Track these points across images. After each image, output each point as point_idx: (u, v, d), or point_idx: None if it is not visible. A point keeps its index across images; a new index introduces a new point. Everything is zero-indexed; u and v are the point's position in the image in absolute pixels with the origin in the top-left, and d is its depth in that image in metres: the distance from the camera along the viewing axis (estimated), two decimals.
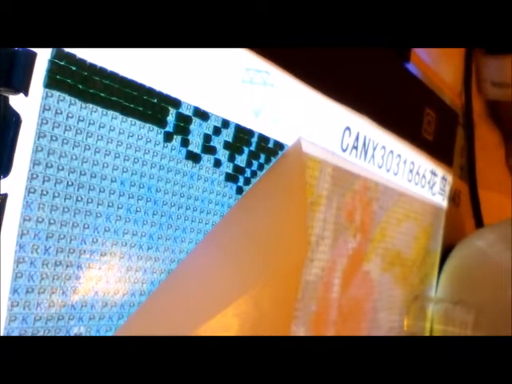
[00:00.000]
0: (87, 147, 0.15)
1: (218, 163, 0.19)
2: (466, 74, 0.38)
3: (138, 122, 0.16)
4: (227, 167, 0.20)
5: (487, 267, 0.34)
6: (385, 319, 0.31)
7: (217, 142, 0.19)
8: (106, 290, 0.16)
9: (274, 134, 0.21)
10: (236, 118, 0.20)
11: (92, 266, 0.15)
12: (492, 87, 0.40)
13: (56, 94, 0.14)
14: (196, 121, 0.18)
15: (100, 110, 0.15)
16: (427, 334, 0.34)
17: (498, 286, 0.33)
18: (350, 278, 0.27)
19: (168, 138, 0.17)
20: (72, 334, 0.15)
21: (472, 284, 0.35)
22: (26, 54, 0.13)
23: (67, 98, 0.14)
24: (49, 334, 0.14)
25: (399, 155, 0.31)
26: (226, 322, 0.19)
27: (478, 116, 0.40)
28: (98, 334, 0.16)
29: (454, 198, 0.39)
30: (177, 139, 0.18)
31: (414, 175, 0.33)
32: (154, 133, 0.17)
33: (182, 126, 0.18)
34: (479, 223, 0.41)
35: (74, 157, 0.15)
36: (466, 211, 0.41)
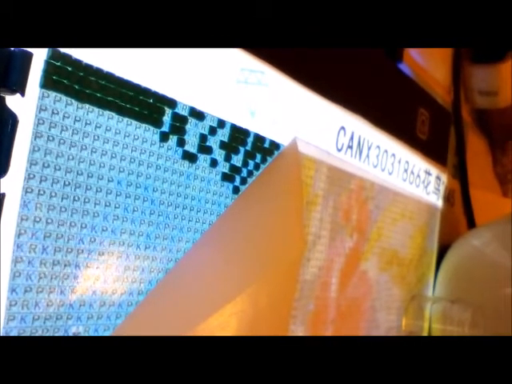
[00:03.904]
0: (84, 147, 0.15)
1: (214, 163, 0.19)
2: (454, 78, 0.39)
3: (134, 122, 0.16)
4: (223, 167, 0.20)
5: (484, 265, 0.35)
6: (383, 319, 0.31)
7: (213, 142, 0.19)
8: (104, 289, 0.16)
9: (269, 133, 0.22)
10: (232, 118, 0.20)
11: (90, 266, 0.15)
12: (479, 96, 0.40)
13: (52, 94, 0.14)
14: (192, 121, 0.18)
15: (96, 110, 0.15)
16: (426, 333, 0.34)
17: (494, 284, 0.33)
18: (348, 277, 0.27)
19: (164, 137, 0.17)
20: (70, 334, 0.15)
21: (469, 282, 0.35)
22: (23, 54, 0.13)
23: (63, 98, 0.14)
24: (47, 334, 0.14)
25: (394, 154, 0.31)
26: (224, 321, 0.19)
27: (467, 124, 0.41)
28: (96, 334, 0.16)
29: (448, 198, 0.39)
30: (173, 139, 0.18)
31: (408, 174, 0.33)
32: (150, 133, 0.17)
33: (178, 125, 0.18)
34: (471, 223, 0.41)
35: (70, 157, 0.15)
36: (461, 210, 0.41)
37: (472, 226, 0.41)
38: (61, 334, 0.15)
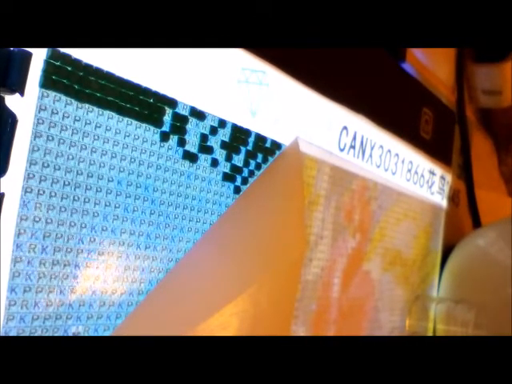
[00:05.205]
0: (83, 147, 0.15)
1: (215, 163, 0.19)
2: (458, 77, 0.39)
3: (135, 122, 0.16)
4: (224, 167, 0.20)
5: (488, 266, 0.34)
6: (386, 319, 0.31)
7: (214, 142, 0.19)
8: (104, 289, 0.16)
9: (271, 133, 0.21)
10: (233, 118, 0.20)
11: (89, 265, 0.15)
12: (483, 95, 0.40)
13: (52, 94, 0.14)
14: (192, 120, 0.18)
15: (96, 109, 0.15)
16: (430, 333, 0.34)
17: (499, 284, 0.33)
18: (350, 277, 0.27)
19: (164, 137, 0.17)
20: (70, 334, 0.15)
21: (473, 283, 0.35)
22: (22, 54, 0.13)
23: (63, 97, 0.14)
24: (46, 334, 0.14)
25: (397, 154, 0.31)
26: (225, 320, 0.19)
27: (471, 124, 0.41)
28: (95, 334, 0.16)
29: (453, 198, 0.39)
30: (173, 139, 0.18)
31: (412, 174, 0.33)
32: (150, 132, 0.17)
33: (179, 125, 0.18)
34: (477, 223, 0.41)
35: (70, 156, 0.15)
36: (466, 210, 0.41)
37: (477, 225, 0.41)
38: (60, 333, 0.15)
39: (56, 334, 0.15)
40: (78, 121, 0.15)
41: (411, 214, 0.33)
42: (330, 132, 0.25)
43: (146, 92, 0.17)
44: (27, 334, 0.14)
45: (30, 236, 0.14)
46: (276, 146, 0.22)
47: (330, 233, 0.25)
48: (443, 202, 0.37)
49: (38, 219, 0.14)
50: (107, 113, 0.16)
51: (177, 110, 0.18)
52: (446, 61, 0.38)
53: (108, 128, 0.16)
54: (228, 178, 0.20)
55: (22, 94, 0.14)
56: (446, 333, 0.34)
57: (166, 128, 0.17)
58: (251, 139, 0.21)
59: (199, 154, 0.19)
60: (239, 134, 0.20)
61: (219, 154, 0.19)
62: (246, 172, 0.20)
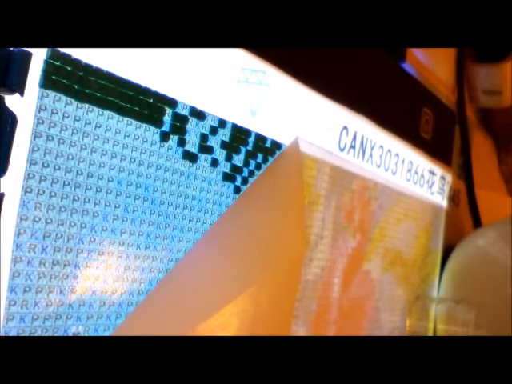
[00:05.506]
0: (83, 147, 0.15)
1: (215, 163, 0.19)
2: (458, 77, 0.39)
3: (135, 122, 0.16)
4: (224, 167, 0.20)
5: (488, 266, 0.34)
6: (386, 319, 0.31)
7: (214, 142, 0.19)
8: (104, 289, 0.16)
9: (271, 133, 0.21)
10: (233, 118, 0.20)
11: (89, 265, 0.15)
12: (483, 95, 0.40)
13: (52, 94, 0.14)
14: (192, 120, 0.18)
15: (96, 109, 0.15)
16: (430, 333, 0.34)
17: (499, 284, 0.33)
18: (351, 277, 0.27)
19: (164, 137, 0.17)
20: (70, 334, 0.15)
21: (474, 283, 0.35)
22: (22, 54, 0.13)
23: (63, 97, 0.14)
24: (46, 334, 0.14)
25: (397, 154, 0.31)
26: (225, 320, 0.19)
27: (471, 124, 0.41)
28: (95, 334, 0.16)
29: (453, 198, 0.39)
30: (173, 139, 0.18)
31: (412, 174, 0.33)
32: (150, 132, 0.17)
33: (179, 125, 0.18)
34: (477, 223, 0.41)
35: (70, 156, 0.15)
36: (466, 210, 0.41)
37: (478, 225, 0.41)
38: (60, 333, 0.15)
39: (56, 334, 0.15)
40: (78, 121, 0.15)
41: (411, 213, 0.33)
42: (329, 132, 0.25)
43: (146, 92, 0.17)
44: (27, 334, 0.14)
45: (30, 236, 0.14)
46: (276, 146, 0.22)
47: (330, 233, 0.25)
48: (443, 202, 0.37)
49: (38, 219, 0.14)
50: (107, 113, 0.16)
51: (177, 110, 0.18)
52: (446, 61, 0.38)
53: (108, 128, 0.16)
54: (228, 177, 0.20)
55: (21, 94, 0.14)
56: (447, 333, 0.34)
57: (166, 128, 0.17)
58: (251, 139, 0.21)
59: (199, 154, 0.19)
60: (239, 134, 0.20)
61: (219, 153, 0.19)
62: (246, 172, 0.20)
